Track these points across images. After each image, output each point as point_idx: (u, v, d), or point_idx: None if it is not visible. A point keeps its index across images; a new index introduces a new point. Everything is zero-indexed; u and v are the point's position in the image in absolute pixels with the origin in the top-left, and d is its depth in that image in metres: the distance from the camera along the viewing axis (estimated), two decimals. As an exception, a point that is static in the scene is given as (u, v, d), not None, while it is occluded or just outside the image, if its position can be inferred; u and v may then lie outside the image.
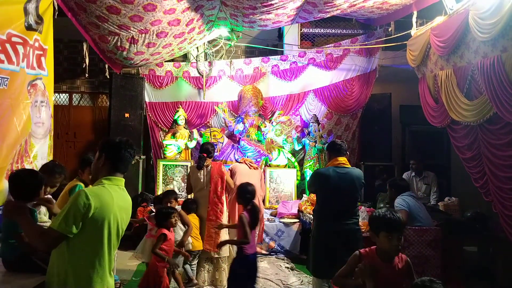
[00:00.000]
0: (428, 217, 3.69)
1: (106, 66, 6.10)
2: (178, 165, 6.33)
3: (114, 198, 1.90)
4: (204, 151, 4.21)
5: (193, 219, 4.04)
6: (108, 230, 1.88)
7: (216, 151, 6.40)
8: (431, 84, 4.18)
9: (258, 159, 6.31)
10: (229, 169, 5.04)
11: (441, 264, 3.52)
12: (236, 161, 5.28)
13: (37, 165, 2.99)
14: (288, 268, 4.80)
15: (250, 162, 5.20)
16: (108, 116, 6.08)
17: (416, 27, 4.76)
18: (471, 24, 3.28)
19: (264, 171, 6.28)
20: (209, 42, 6.69)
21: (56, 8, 4.01)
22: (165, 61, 6.78)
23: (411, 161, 5.85)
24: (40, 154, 3.09)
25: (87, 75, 5.35)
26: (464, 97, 3.48)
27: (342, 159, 3.38)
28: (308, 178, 3.68)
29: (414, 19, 4.72)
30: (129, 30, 4.81)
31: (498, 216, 4.01)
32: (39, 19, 2.98)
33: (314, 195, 5.47)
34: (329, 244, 3.23)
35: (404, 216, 3.47)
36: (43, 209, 2.72)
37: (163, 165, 6.27)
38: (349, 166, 3.40)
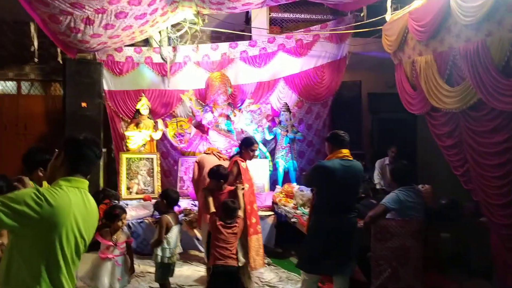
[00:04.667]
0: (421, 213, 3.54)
1: (59, 50, 5.53)
2: (143, 157, 5.92)
3: (72, 203, 1.58)
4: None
5: None
6: (62, 240, 1.54)
7: (183, 142, 6.06)
8: (408, 71, 4.08)
9: (229, 150, 6.03)
10: (196, 161, 4.73)
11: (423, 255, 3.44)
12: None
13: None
14: (264, 263, 4.60)
15: (218, 152, 4.92)
16: (63, 106, 5.55)
17: (391, 12, 4.63)
18: (453, 7, 3.17)
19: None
20: (172, 26, 6.27)
21: (-4, -19, 3.50)
22: (124, 46, 6.28)
23: (391, 148, 5.77)
24: (-21, 150, 2.64)
25: (36, 59, 4.80)
26: (445, 84, 3.39)
27: (346, 151, 3.21)
28: (309, 171, 3.43)
29: (388, 3, 4.58)
30: (84, 10, 4.32)
31: (472, 203, 4.05)
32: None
33: (290, 186, 5.34)
34: (332, 238, 3.11)
35: (378, 211, 3.36)
36: None
37: (127, 158, 5.83)
38: (352, 158, 3.23)
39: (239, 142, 6.14)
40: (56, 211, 1.51)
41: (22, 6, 4.06)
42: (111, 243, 3.10)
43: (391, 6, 4.60)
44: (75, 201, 1.60)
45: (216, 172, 3.59)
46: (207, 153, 4.57)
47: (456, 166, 3.50)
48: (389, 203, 3.36)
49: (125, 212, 3.32)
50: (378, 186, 5.59)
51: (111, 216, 3.15)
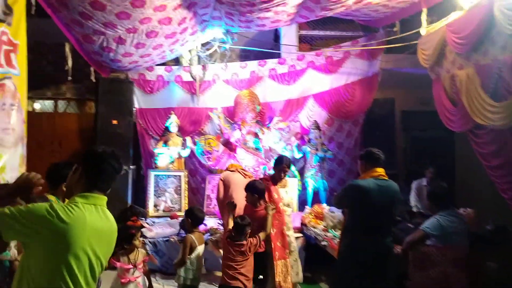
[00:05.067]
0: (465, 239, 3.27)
1: (92, 70, 5.68)
2: (171, 175, 5.89)
3: (87, 220, 1.50)
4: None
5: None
6: (71, 260, 1.45)
7: (211, 159, 6.01)
8: (447, 86, 3.85)
9: (256, 168, 5.92)
10: (221, 179, 4.61)
11: (467, 285, 3.13)
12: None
13: (4, 178, 2.56)
14: None
15: (242, 169, 4.82)
16: (95, 123, 5.65)
17: (426, 25, 4.44)
18: (498, 17, 2.96)
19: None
20: (202, 45, 6.33)
21: (34, 2, 3.62)
22: (155, 65, 6.39)
23: (429, 169, 5.45)
24: (9, 165, 2.66)
25: (70, 78, 4.92)
26: (490, 99, 3.14)
27: (381, 170, 3.02)
28: (340, 191, 3.26)
29: (423, 17, 4.40)
30: (116, 29, 4.41)
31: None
32: (8, 9, 2.58)
33: (320, 207, 5.12)
34: (367, 261, 2.89)
35: (417, 236, 3.14)
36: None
37: (155, 175, 5.82)
38: (387, 178, 3.03)
39: (267, 160, 6.05)
40: (68, 228, 1.43)
41: (61, 30, 4.22)
42: (130, 266, 2.98)
43: (426, 19, 4.42)
44: (90, 219, 1.52)
45: (253, 186, 3.52)
46: (231, 171, 4.46)
47: (504, 189, 3.21)
48: (429, 228, 3.11)
49: (139, 230, 3.23)
50: (415, 209, 5.25)
51: (127, 237, 3.04)
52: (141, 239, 4.51)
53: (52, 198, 2.40)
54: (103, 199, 1.63)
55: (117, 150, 1.73)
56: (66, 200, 2.41)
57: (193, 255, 3.17)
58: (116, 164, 1.67)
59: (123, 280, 2.95)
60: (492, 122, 3.11)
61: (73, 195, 1.59)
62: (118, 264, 2.97)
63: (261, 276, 3.30)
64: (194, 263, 3.18)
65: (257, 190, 3.48)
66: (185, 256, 3.13)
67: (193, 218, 3.33)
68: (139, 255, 3.11)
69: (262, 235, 3.23)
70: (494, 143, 3.22)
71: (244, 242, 3.12)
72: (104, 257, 1.59)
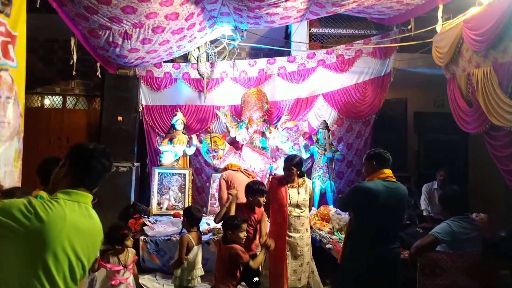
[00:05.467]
0: (477, 246, 3.11)
1: (99, 65, 5.64)
2: (175, 173, 5.81)
3: (67, 218, 1.39)
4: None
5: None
6: (49, 261, 1.34)
7: (216, 158, 5.91)
8: (463, 85, 3.67)
9: (262, 168, 5.80)
10: (223, 178, 4.49)
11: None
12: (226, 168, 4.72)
13: (-2, 172, 2.50)
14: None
15: (245, 170, 4.71)
16: (100, 119, 5.62)
17: (442, 22, 4.26)
18: (518, 12, 2.79)
19: (269, 181, 5.76)
20: (211, 42, 6.24)
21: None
22: (163, 62, 6.33)
23: (440, 171, 5.27)
24: (3, 159, 2.58)
25: (74, 73, 4.87)
26: (508, 98, 2.96)
27: (389, 172, 2.88)
28: (346, 193, 3.13)
29: (439, 14, 4.22)
30: (122, 24, 4.35)
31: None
32: (6, 0, 2.52)
33: (326, 209, 4.97)
34: (371, 270, 2.75)
35: (426, 241, 2.97)
36: None
37: (159, 173, 5.75)
38: (395, 180, 2.89)
39: (273, 160, 5.93)
40: (45, 227, 1.33)
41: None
42: (121, 267, 2.88)
43: (442, 16, 4.24)
44: (71, 217, 1.41)
45: (250, 187, 3.39)
46: (234, 170, 4.34)
47: (521, 194, 3.02)
48: (439, 234, 2.95)
49: (132, 230, 3.14)
50: (425, 213, 5.07)
51: (119, 237, 2.94)
52: (142, 237, 4.45)
53: (43, 194, 2.32)
54: (88, 197, 1.54)
55: (107, 148, 1.65)
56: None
57: (190, 255, 3.06)
58: (106, 162, 1.59)
59: (113, 282, 2.84)
60: (510, 123, 2.93)
61: (56, 191, 1.50)
62: (108, 266, 2.87)
63: (256, 278, 3.17)
64: (191, 263, 3.06)
65: (253, 190, 3.33)
66: (182, 257, 3.02)
67: (190, 218, 3.21)
68: (129, 255, 3.01)
69: (251, 263, 2.92)
70: (511, 146, 3.04)
71: (225, 246, 2.90)
72: (87, 258, 1.49)
